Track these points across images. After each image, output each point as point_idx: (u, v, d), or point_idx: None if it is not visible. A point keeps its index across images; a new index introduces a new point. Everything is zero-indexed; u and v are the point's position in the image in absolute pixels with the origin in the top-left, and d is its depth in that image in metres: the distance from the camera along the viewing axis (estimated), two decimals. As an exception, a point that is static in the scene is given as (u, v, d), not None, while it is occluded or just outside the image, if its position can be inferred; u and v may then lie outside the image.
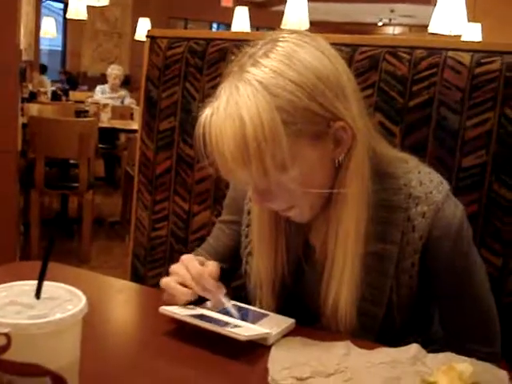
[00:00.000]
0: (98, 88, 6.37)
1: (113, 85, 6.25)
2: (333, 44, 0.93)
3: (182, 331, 0.90)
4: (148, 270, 1.51)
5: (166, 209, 1.48)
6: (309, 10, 5.48)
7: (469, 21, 4.40)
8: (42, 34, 9.56)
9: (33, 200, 3.73)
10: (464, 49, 1.17)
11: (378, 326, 0.97)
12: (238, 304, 0.99)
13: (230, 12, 7.45)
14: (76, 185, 3.85)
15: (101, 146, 5.20)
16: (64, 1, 10.54)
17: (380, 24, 14.57)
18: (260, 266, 1.02)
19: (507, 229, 1.13)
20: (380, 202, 0.95)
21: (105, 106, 5.40)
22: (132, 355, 0.88)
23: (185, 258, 0.99)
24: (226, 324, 0.90)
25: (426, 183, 0.96)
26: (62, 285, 0.66)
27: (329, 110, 0.87)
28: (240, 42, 1.28)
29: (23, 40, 8.38)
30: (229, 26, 7.63)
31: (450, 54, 1.17)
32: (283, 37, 0.89)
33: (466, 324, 0.99)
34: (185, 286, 0.95)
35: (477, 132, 1.15)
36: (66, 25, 11.49)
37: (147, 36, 1.51)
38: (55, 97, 7.00)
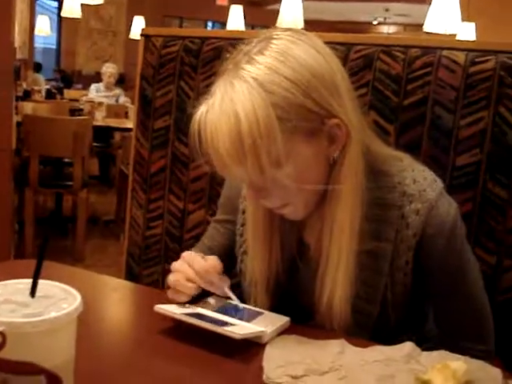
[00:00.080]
0: (93, 86, 6.35)
1: (107, 83, 6.24)
2: (327, 43, 0.93)
3: (177, 330, 0.90)
4: (143, 268, 1.51)
5: (161, 207, 1.48)
6: (303, 9, 5.48)
7: (463, 20, 4.42)
8: (37, 32, 9.54)
9: (27, 198, 3.72)
10: (458, 48, 1.18)
11: (372, 324, 0.98)
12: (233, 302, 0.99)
13: (225, 10, 7.45)
14: (70, 183, 3.84)
15: (95, 144, 5.19)
16: (58, -1, 10.54)
17: (375, 23, 14.58)
18: (254, 264, 1.02)
19: (501, 227, 1.14)
20: (374, 200, 0.95)
21: (99, 104, 5.39)
22: (127, 354, 0.88)
23: (186, 254, 0.99)
24: (221, 323, 0.90)
25: (419, 181, 0.96)
26: (57, 283, 0.66)
27: (323, 107, 0.87)
28: (235, 40, 1.27)
29: (17, 38, 8.35)
30: (224, 24, 7.64)
31: (445, 53, 1.18)
32: (277, 34, 0.90)
33: (460, 322, 1.00)
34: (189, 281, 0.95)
35: (471, 131, 1.15)
36: (61, 23, 11.44)
37: (142, 34, 1.50)
38: (49, 95, 6.96)
